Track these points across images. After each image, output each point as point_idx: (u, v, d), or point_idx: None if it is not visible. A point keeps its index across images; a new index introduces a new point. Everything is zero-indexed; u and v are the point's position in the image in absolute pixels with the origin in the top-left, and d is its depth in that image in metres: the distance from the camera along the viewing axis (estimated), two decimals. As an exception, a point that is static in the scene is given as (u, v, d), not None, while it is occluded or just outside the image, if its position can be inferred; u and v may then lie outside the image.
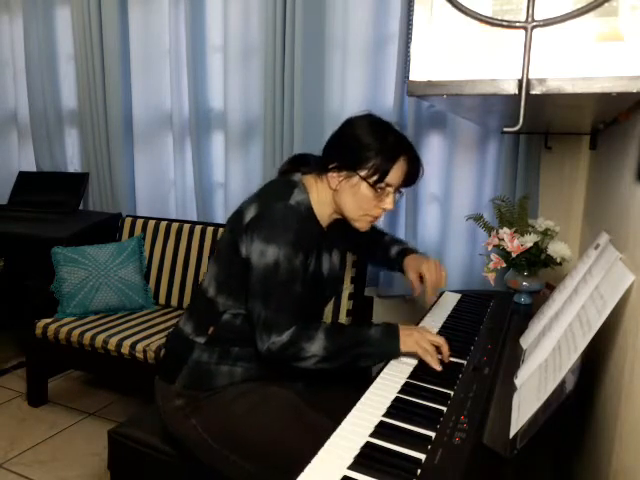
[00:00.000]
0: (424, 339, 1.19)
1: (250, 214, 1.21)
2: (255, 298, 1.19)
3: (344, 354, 1.19)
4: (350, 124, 1.26)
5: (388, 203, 1.26)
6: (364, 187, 1.22)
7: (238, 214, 1.26)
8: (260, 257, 1.17)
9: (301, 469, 0.80)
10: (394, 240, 1.59)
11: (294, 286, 1.18)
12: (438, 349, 1.19)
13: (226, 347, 1.25)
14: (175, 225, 2.56)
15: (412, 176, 1.29)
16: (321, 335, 1.17)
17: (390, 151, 1.21)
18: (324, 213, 1.30)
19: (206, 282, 1.30)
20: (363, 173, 1.21)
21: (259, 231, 1.18)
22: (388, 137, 1.22)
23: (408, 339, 1.19)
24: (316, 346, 1.16)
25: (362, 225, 1.30)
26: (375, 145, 1.20)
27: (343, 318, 2.16)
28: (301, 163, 1.35)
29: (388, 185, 1.23)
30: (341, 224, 1.34)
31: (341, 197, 1.25)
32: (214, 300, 1.27)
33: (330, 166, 1.24)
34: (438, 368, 1.15)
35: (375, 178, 1.21)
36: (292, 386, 1.29)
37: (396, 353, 1.20)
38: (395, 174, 1.23)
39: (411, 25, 0.82)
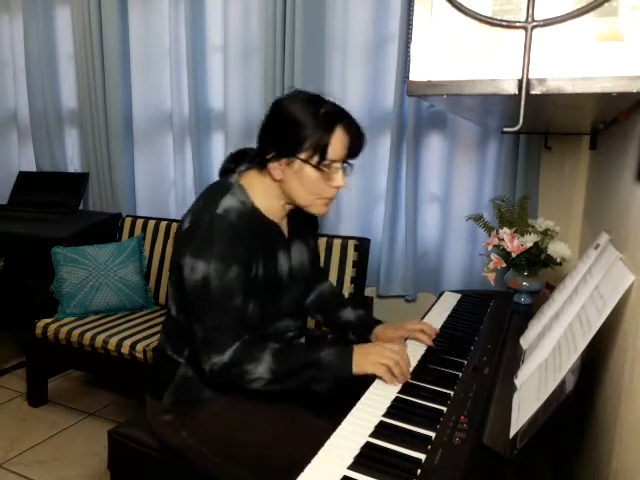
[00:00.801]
0: (382, 356, 1.10)
1: (184, 225, 1.16)
2: (191, 317, 1.14)
3: (292, 377, 1.12)
4: (278, 106, 1.17)
5: (338, 180, 1.16)
6: (308, 170, 1.14)
7: (180, 226, 1.19)
8: (190, 273, 1.11)
9: (297, 472, 0.80)
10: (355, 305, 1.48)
11: (231, 302, 1.11)
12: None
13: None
14: (175, 225, 2.56)
15: (355, 145, 1.18)
16: (267, 357, 1.11)
17: (324, 124, 1.12)
18: (274, 207, 1.22)
19: (169, 302, 1.26)
20: (303, 156, 1.13)
21: (188, 245, 1.12)
22: (319, 110, 1.13)
23: (363, 360, 1.12)
24: (262, 368, 1.10)
25: (319, 210, 1.21)
26: (307, 122, 1.11)
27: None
28: (241, 160, 1.27)
29: (333, 161, 1.14)
30: (302, 216, 1.27)
31: (288, 186, 1.17)
32: (179, 320, 1.23)
33: (268, 157, 1.15)
34: (395, 385, 1.08)
35: (317, 158, 1.12)
36: None
37: (348, 377, 1.12)
38: (336, 147, 1.13)
39: (411, 25, 0.82)
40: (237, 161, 1.28)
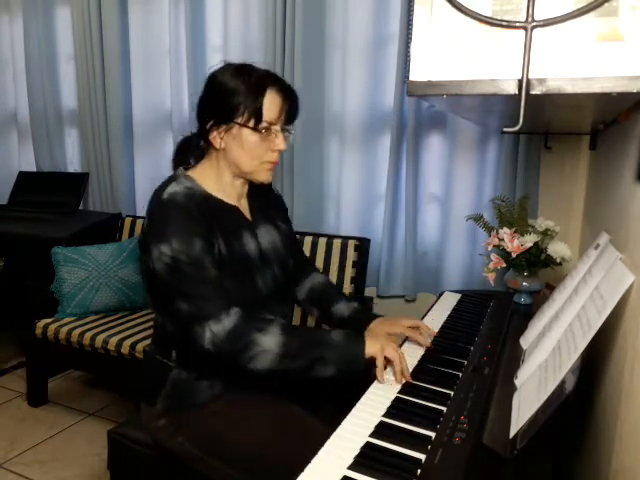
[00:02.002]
0: (390, 346, 1.12)
1: (143, 229, 1.19)
2: (173, 301, 1.11)
3: (301, 354, 1.09)
4: (211, 79, 1.21)
5: (279, 143, 1.19)
6: (247, 133, 1.16)
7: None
8: (158, 261, 1.11)
9: (294, 472, 0.80)
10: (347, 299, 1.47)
11: (205, 272, 1.10)
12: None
13: (198, 364, 1.19)
14: (175, 225, 2.56)
15: (290, 108, 1.21)
16: (276, 329, 1.09)
17: (256, 87, 1.15)
18: (227, 188, 1.24)
19: (151, 309, 1.27)
20: (240, 120, 1.15)
21: (149, 237, 1.14)
22: (250, 75, 1.16)
23: (372, 345, 1.13)
24: (270, 340, 1.07)
25: (264, 176, 1.23)
26: (240, 88, 1.15)
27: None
28: (187, 150, 1.31)
29: (270, 124, 1.17)
30: (264, 199, 1.30)
31: (231, 154, 1.19)
32: (163, 326, 1.23)
33: (207, 127, 1.19)
34: (381, 381, 1.09)
35: (253, 120, 1.15)
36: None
37: (359, 359, 1.12)
38: (270, 109, 1.16)
39: (411, 25, 0.82)
40: (183, 153, 1.32)
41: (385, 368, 1.12)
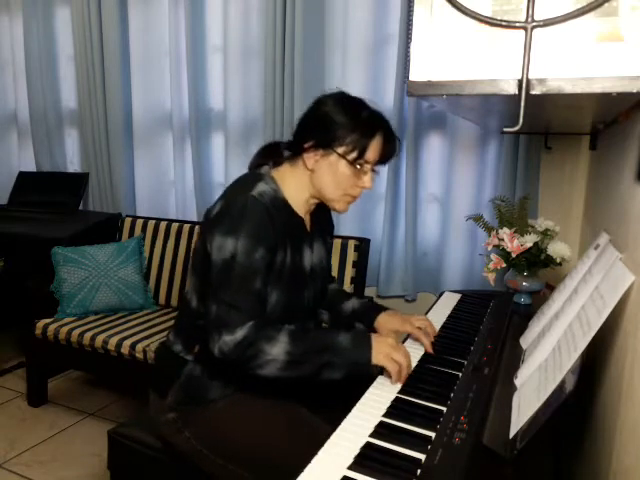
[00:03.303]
0: (398, 354, 1.11)
1: (216, 210, 1.17)
2: (210, 296, 1.13)
3: (308, 361, 1.10)
4: (322, 103, 1.21)
5: (367, 181, 1.21)
6: (343, 165, 1.18)
7: (206, 216, 1.21)
8: (218, 252, 1.12)
9: (299, 472, 0.80)
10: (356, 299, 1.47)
11: (252, 282, 1.11)
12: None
13: (217, 362, 1.16)
14: (175, 225, 2.56)
15: (388, 153, 1.24)
16: (283, 338, 1.10)
17: (367, 126, 1.17)
18: (300, 199, 1.25)
19: (189, 294, 1.26)
20: (341, 150, 1.17)
21: (220, 226, 1.13)
22: (363, 113, 1.18)
23: (379, 352, 1.11)
24: (277, 349, 1.09)
25: (341, 206, 1.25)
26: (352, 121, 1.16)
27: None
28: (272, 153, 1.30)
29: (367, 162, 1.19)
30: (320, 214, 1.31)
31: (319, 177, 1.20)
32: (198, 311, 1.23)
33: (306, 145, 1.19)
34: (396, 385, 1.09)
35: (354, 155, 1.17)
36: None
37: (365, 365, 1.12)
38: (373, 150, 1.19)
39: (411, 25, 0.82)
40: (267, 155, 1.31)
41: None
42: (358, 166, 1.19)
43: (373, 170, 1.24)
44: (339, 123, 1.17)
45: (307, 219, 1.31)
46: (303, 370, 1.11)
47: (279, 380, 1.12)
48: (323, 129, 1.18)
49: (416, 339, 1.30)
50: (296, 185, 1.24)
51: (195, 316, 1.24)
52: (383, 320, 1.36)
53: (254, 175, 1.24)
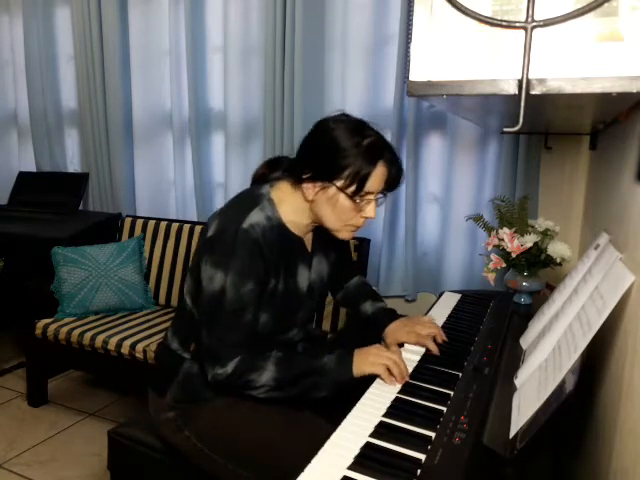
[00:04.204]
0: (380, 357, 1.13)
1: (210, 232, 1.16)
2: (202, 324, 1.15)
3: (295, 385, 1.13)
4: (323, 128, 1.16)
5: (369, 212, 1.17)
6: (342, 198, 1.13)
7: (205, 227, 1.20)
8: (208, 282, 1.13)
9: (299, 471, 0.80)
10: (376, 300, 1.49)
11: (241, 317, 1.12)
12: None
13: None
14: (175, 225, 2.56)
15: (393, 181, 1.19)
16: (271, 366, 1.13)
17: (367, 156, 1.11)
18: (300, 223, 1.23)
19: (185, 294, 1.27)
20: (340, 183, 1.12)
21: (210, 254, 1.13)
22: (364, 140, 1.12)
23: (361, 362, 1.14)
24: (265, 377, 1.12)
25: (345, 235, 1.22)
26: (350, 151, 1.11)
27: (342, 318, 2.17)
28: (276, 168, 1.28)
29: (368, 193, 1.14)
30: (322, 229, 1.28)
31: (319, 209, 1.17)
32: (192, 312, 1.24)
33: (304, 176, 1.15)
34: (393, 384, 1.09)
35: (353, 188, 1.12)
36: None
37: (348, 381, 1.14)
38: (374, 181, 1.13)
39: (411, 25, 0.82)
40: (271, 167, 1.29)
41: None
42: (358, 199, 1.14)
43: (381, 194, 1.19)
44: (338, 153, 1.11)
45: (308, 238, 1.29)
46: (291, 392, 1.14)
47: (270, 401, 1.15)
48: (321, 159, 1.14)
49: (423, 345, 1.29)
50: (296, 209, 1.21)
51: (189, 316, 1.25)
52: (391, 330, 1.36)
53: (252, 197, 1.20)
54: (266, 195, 1.21)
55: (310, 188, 1.16)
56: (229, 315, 1.12)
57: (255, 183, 1.30)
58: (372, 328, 1.41)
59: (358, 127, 1.15)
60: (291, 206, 1.21)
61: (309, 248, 1.30)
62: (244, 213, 1.15)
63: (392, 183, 1.20)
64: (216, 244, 1.14)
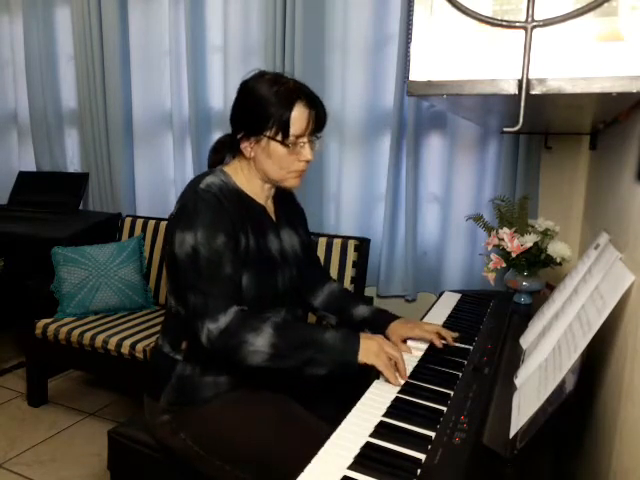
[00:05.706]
0: (383, 351, 1.12)
1: (172, 214, 1.22)
2: (185, 290, 1.15)
3: (293, 355, 1.10)
4: (244, 88, 1.23)
5: (306, 154, 1.22)
6: (274, 146, 1.19)
7: (168, 221, 1.26)
8: (180, 247, 1.15)
9: (296, 472, 0.80)
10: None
11: (220, 268, 1.13)
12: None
13: (206, 358, 1.19)
14: (175, 225, 2.56)
15: (318, 119, 1.23)
16: (268, 329, 1.10)
17: (284, 101, 1.17)
18: (255, 188, 1.28)
19: (168, 296, 1.28)
20: (269, 133, 1.18)
21: (177, 224, 1.17)
22: (279, 88, 1.18)
23: (368, 351, 1.11)
24: (262, 340, 1.09)
25: (292, 183, 1.26)
26: (270, 100, 1.17)
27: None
28: (224, 148, 1.34)
29: (297, 137, 1.19)
30: (287, 205, 1.35)
31: (260, 163, 1.23)
32: (177, 311, 1.24)
33: (238, 136, 1.22)
34: (396, 383, 1.08)
35: (281, 134, 1.18)
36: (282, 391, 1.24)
37: (352, 365, 1.11)
38: (298, 123, 1.18)
39: (411, 25, 0.82)
40: (219, 151, 1.35)
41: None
42: (290, 145, 1.19)
43: (311, 140, 1.23)
44: (258, 105, 1.18)
45: (270, 207, 1.33)
46: (287, 363, 1.11)
47: (263, 370, 1.12)
48: (247, 116, 1.21)
49: (427, 340, 1.28)
50: (247, 175, 1.27)
51: (176, 317, 1.25)
52: (394, 327, 1.35)
53: (203, 173, 1.27)
54: (218, 169, 1.28)
55: (247, 146, 1.22)
56: (207, 269, 1.12)
57: None
58: (372, 328, 1.40)
59: (274, 79, 1.21)
60: (243, 175, 1.27)
61: (273, 217, 1.33)
62: (198, 180, 1.22)
63: (318, 122, 1.23)
64: (179, 214, 1.18)
